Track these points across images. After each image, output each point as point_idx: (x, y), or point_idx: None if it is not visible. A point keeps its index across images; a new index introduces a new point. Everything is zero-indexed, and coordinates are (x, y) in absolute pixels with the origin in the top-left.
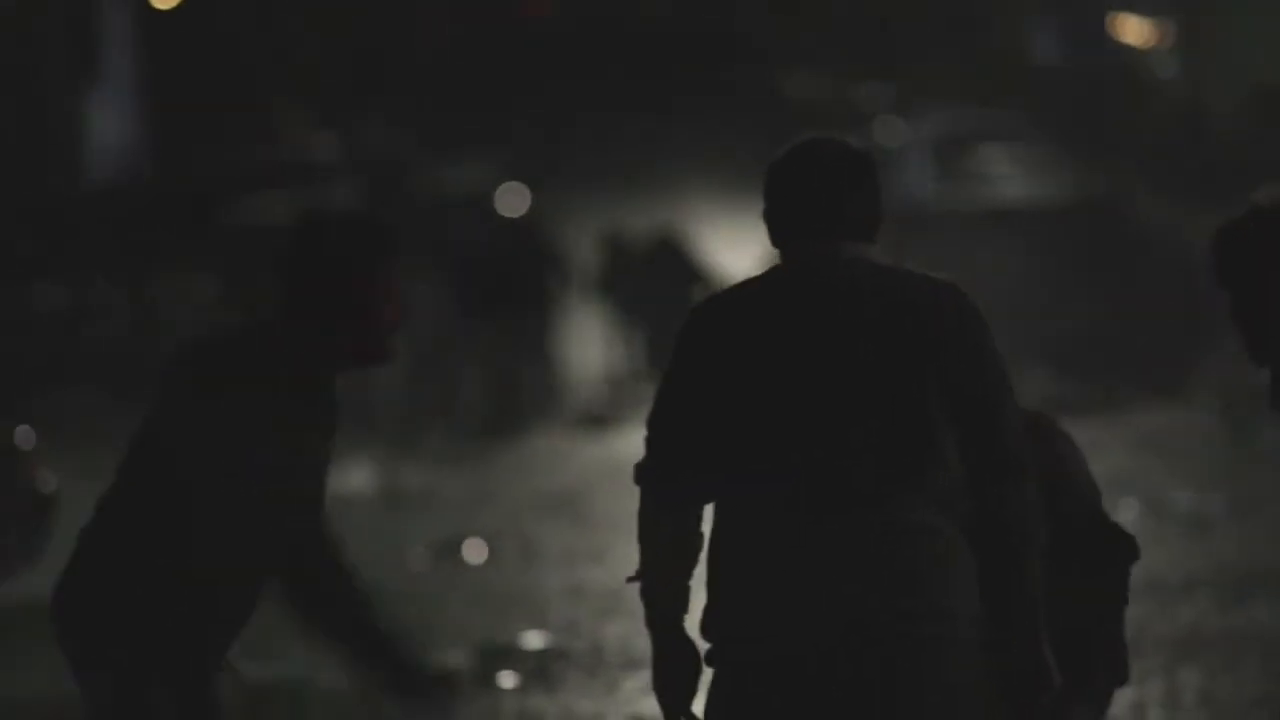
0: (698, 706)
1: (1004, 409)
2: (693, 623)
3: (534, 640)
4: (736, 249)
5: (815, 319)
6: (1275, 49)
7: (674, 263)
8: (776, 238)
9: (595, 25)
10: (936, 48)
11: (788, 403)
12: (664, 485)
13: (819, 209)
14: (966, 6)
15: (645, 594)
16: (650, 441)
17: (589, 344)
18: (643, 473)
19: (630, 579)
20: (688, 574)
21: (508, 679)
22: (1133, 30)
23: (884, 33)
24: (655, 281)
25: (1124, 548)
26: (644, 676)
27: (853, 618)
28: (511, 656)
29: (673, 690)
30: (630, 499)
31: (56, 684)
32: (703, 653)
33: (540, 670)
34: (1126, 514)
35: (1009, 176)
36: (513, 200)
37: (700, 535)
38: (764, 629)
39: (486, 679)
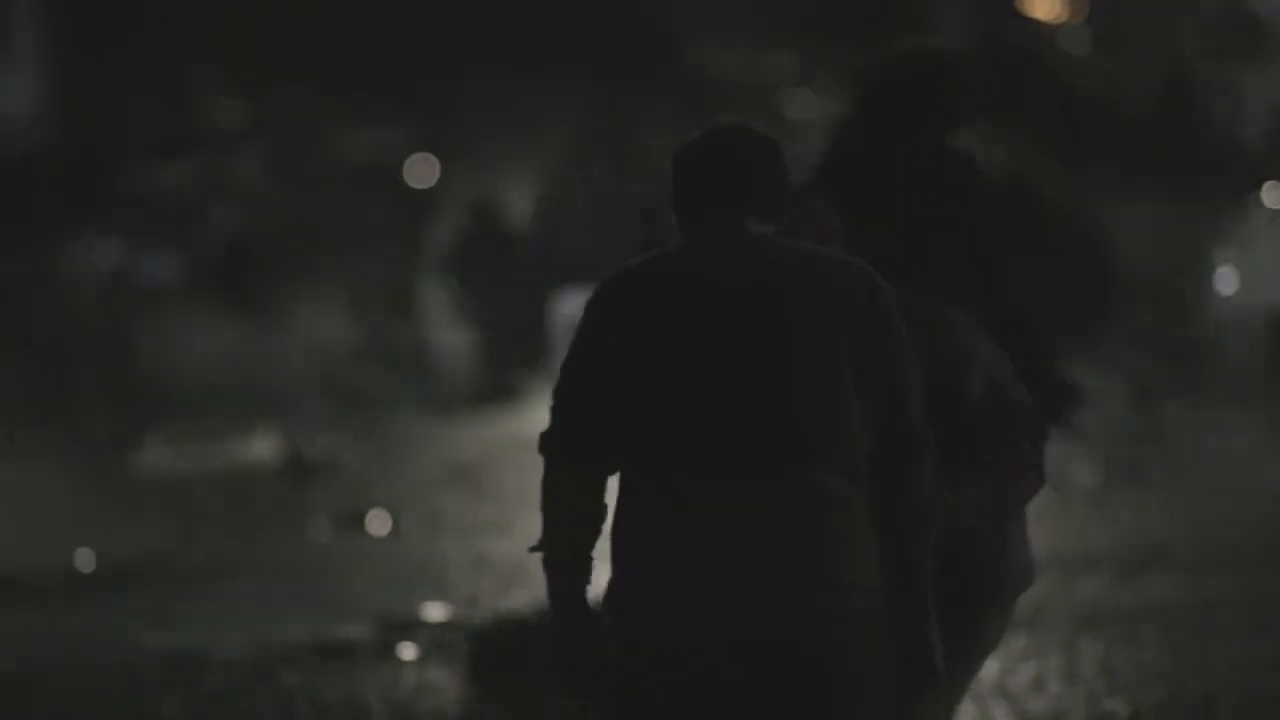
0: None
1: (911, 387)
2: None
3: (435, 612)
4: None
5: (728, 292)
6: (1187, 27)
7: (492, 232)
8: (682, 218)
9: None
10: (843, 21)
11: (698, 372)
12: (568, 452)
13: (724, 190)
14: None
15: (547, 564)
16: (556, 410)
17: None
18: (547, 440)
19: (533, 549)
20: (590, 544)
21: (408, 650)
22: (1043, 5)
23: (791, 5)
24: (475, 253)
25: (1025, 415)
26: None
27: (764, 586)
28: (413, 628)
29: (574, 663)
30: (533, 472)
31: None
32: (606, 626)
33: (441, 642)
34: None
35: None
36: (422, 171)
37: (604, 505)
38: (672, 599)
39: (387, 650)
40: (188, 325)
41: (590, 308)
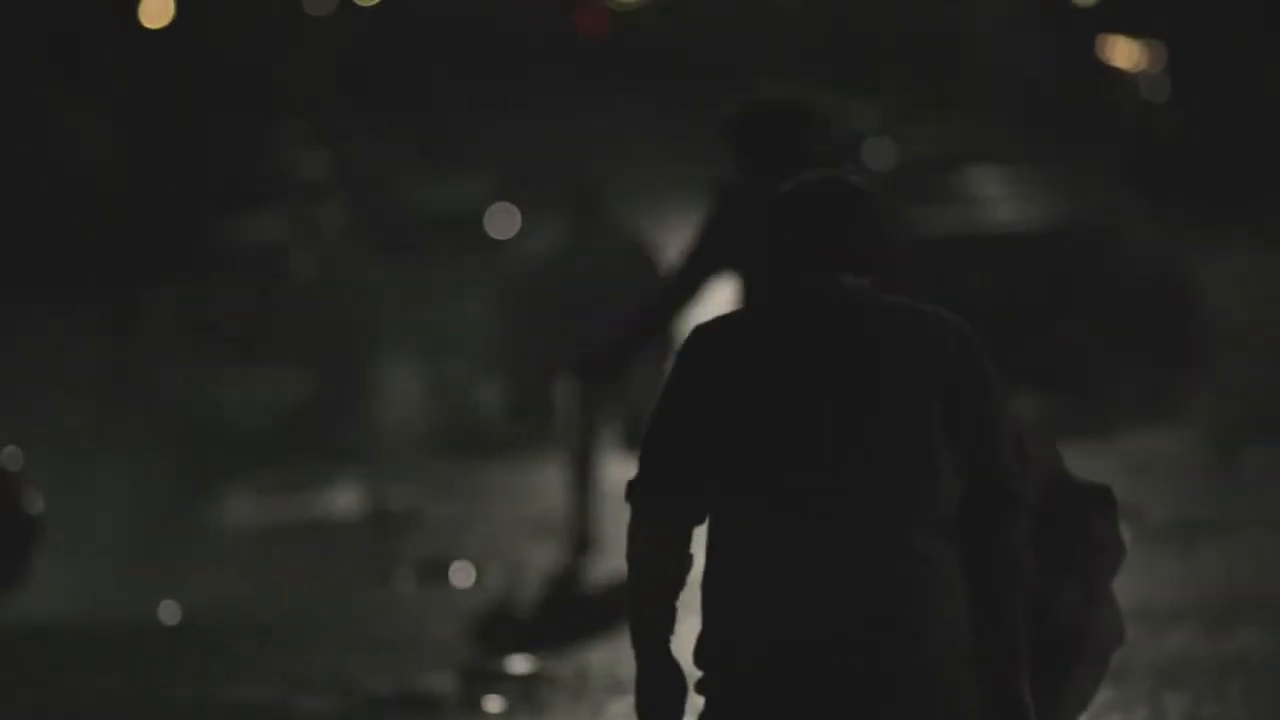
0: None
1: (1002, 439)
2: (682, 649)
3: (520, 664)
4: None
5: (820, 343)
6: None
7: None
8: (779, 270)
9: (579, 44)
10: (923, 68)
11: (791, 425)
12: (656, 502)
13: (821, 244)
14: (953, 27)
15: (632, 614)
16: (645, 459)
17: None
18: (634, 489)
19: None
20: (675, 594)
21: (494, 702)
22: (1122, 53)
23: (869, 54)
24: None
25: (1089, 493)
26: (630, 700)
27: (855, 642)
28: (497, 680)
29: (657, 716)
30: (616, 523)
31: (47, 711)
32: (693, 680)
33: (526, 694)
34: None
35: (997, 199)
36: (502, 220)
37: (690, 556)
38: (762, 653)
39: (472, 702)
40: (269, 372)
41: (682, 356)
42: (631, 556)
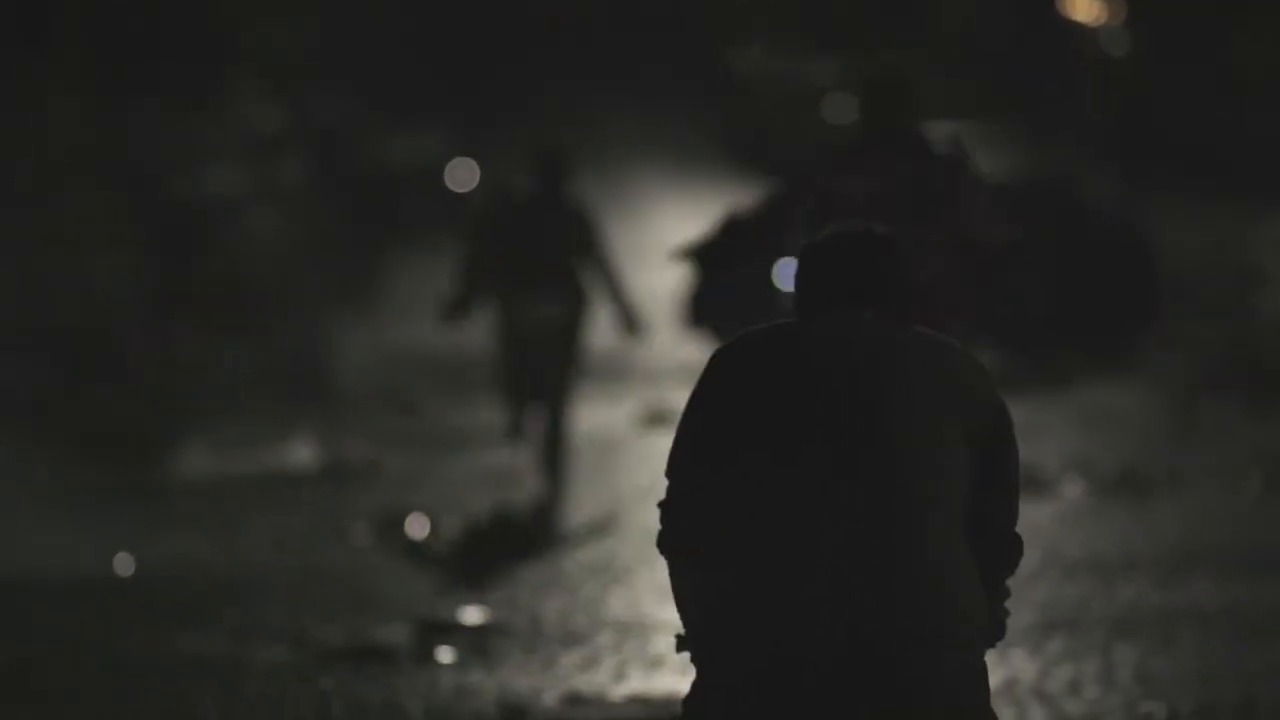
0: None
1: (1013, 443)
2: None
3: (473, 616)
4: (681, 221)
5: (840, 363)
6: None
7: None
8: (802, 311)
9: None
10: (884, 25)
11: (813, 444)
12: (686, 547)
13: (848, 292)
14: None
15: (696, 656)
16: (667, 503)
17: None
18: (663, 538)
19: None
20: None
21: (446, 654)
22: (1083, 8)
23: (833, 11)
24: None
25: None
26: (580, 652)
27: (873, 623)
28: (450, 631)
29: None
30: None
31: None
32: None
33: (479, 645)
34: (1071, 491)
35: None
36: (461, 174)
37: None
38: (777, 637)
39: (425, 654)
40: (226, 325)
41: (710, 378)
42: (680, 607)
